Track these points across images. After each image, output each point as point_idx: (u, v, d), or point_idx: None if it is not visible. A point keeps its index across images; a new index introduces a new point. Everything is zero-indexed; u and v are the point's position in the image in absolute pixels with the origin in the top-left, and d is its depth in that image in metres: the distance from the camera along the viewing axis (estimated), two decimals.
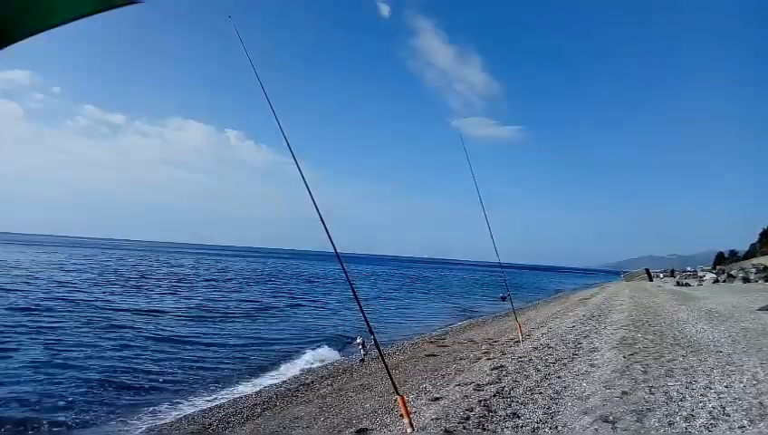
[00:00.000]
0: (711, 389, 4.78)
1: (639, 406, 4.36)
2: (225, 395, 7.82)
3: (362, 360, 9.99)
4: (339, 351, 11.50)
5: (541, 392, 5.21)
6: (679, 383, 5.06)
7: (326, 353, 11.18)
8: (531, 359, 7.24)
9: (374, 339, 4.27)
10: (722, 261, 66.84)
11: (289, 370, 9.66)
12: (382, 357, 4.34)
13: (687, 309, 12.85)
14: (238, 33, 4.64)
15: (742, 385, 4.82)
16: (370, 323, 4.40)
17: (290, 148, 4.48)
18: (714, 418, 3.96)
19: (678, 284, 31.19)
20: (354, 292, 4.39)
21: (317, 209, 4.26)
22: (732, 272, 33.27)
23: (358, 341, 10.36)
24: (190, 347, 11.15)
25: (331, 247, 4.33)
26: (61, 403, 7.03)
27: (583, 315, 13.40)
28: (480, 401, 5.05)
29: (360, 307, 4.32)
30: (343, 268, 4.40)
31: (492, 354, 8.36)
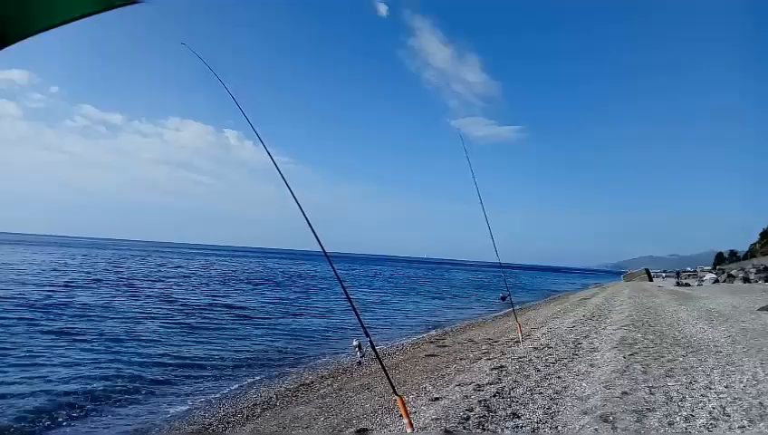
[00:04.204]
0: (711, 389, 4.78)
1: (639, 406, 4.36)
2: (224, 396, 7.81)
3: (359, 363, 9.86)
4: (338, 352, 11.48)
5: (541, 392, 5.22)
6: (679, 383, 5.06)
7: (325, 354, 11.16)
8: (531, 359, 7.24)
9: (370, 341, 4.26)
10: (722, 261, 66.99)
11: (288, 370, 9.65)
12: (379, 359, 4.32)
13: (687, 309, 12.85)
14: (200, 56, 4.86)
15: (742, 385, 4.82)
16: (369, 324, 4.39)
17: (264, 146, 4.60)
18: (714, 418, 3.96)
19: (678, 284, 31.20)
20: (346, 293, 4.36)
21: (301, 209, 4.26)
22: (732, 272, 33.29)
23: (354, 343, 10.22)
24: (187, 348, 11.13)
25: (329, 248, 4.33)
26: (57, 403, 7.02)
27: (583, 316, 13.40)
28: (480, 402, 5.05)
29: (354, 309, 4.29)
30: (333, 269, 4.38)
31: (492, 354, 8.36)
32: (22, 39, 1.03)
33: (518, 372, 6.38)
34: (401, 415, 3.94)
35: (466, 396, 5.41)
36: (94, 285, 22.69)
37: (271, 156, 4.53)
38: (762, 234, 66.14)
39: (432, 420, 4.64)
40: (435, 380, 6.88)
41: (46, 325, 12.29)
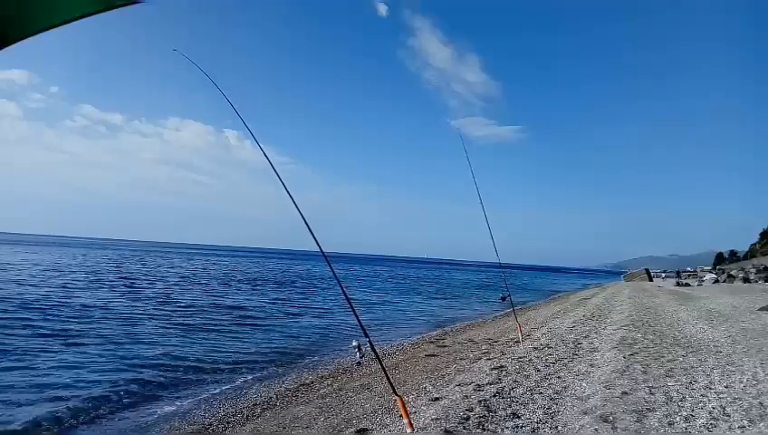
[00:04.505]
0: (711, 389, 4.78)
1: (639, 406, 4.36)
2: (224, 396, 7.81)
3: (359, 363, 9.82)
4: (337, 352, 11.48)
5: (541, 392, 5.22)
6: (679, 383, 5.07)
7: (325, 354, 11.15)
8: (531, 359, 7.24)
9: (369, 341, 4.26)
10: (722, 261, 67.07)
11: (288, 370, 9.64)
12: (379, 360, 4.32)
13: (687, 309, 12.85)
14: (192, 61, 4.83)
15: (742, 385, 4.82)
16: (368, 324, 4.39)
17: (257, 142, 4.61)
18: (714, 418, 3.96)
19: (678, 284, 31.20)
20: (345, 293, 4.36)
21: (297, 208, 4.25)
22: (732, 272, 33.31)
23: (354, 344, 10.15)
24: (186, 348, 11.13)
25: (329, 248, 4.34)
26: (56, 404, 7.02)
27: (583, 316, 13.40)
28: (480, 402, 5.05)
29: (353, 309, 4.29)
30: (332, 269, 4.38)
31: (492, 354, 8.36)
32: (22, 39, 1.03)
33: (518, 372, 6.38)
34: (401, 415, 3.94)
35: (466, 396, 5.41)
36: (93, 286, 22.68)
37: (264, 153, 4.52)
38: (762, 234, 66.20)
39: (432, 420, 4.65)
40: (435, 380, 6.88)
41: (44, 326, 12.23)
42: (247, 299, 21.95)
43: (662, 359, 6.37)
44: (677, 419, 4.00)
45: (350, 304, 4.35)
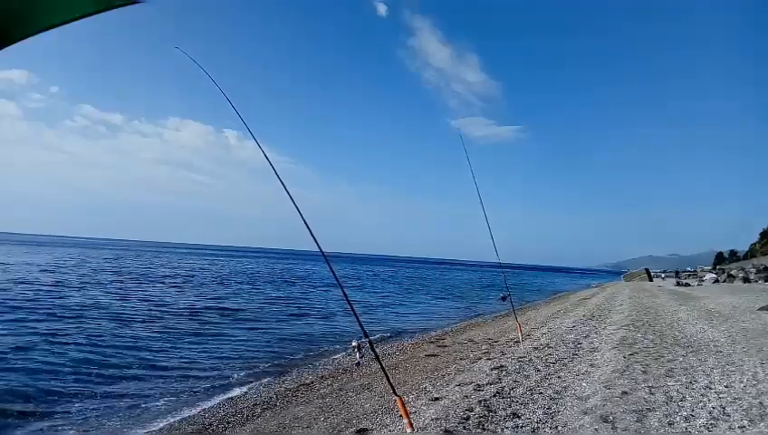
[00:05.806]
0: (711, 389, 4.78)
1: (639, 406, 4.36)
2: (224, 396, 7.81)
3: (358, 364, 9.80)
4: (338, 352, 11.48)
5: (541, 392, 5.22)
6: (679, 383, 5.07)
7: (325, 354, 11.16)
8: (531, 359, 7.24)
9: (369, 342, 4.26)
10: (722, 261, 67.06)
11: (288, 370, 9.65)
12: (378, 360, 4.32)
13: (687, 309, 12.85)
14: (194, 60, 4.78)
15: (742, 385, 4.83)
16: (369, 325, 4.39)
17: (255, 139, 4.59)
18: (714, 418, 3.96)
19: (678, 284, 31.18)
20: (344, 293, 4.35)
21: (296, 206, 4.23)
22: (732, 272, 33.29)
23: (353, 344, 10.16)
24: (186, 349, 11.15)
25: (329, 248, 4.33)
26: (56, 403, 7.03)
27: (583, 315, 13.39)
28: (480, 402, 5.06)
29: (353, 309, 4.28)
30: (331, 269, 4.37)
31: (492, 354, 8.36)
32: (23, 39, 1.03)
33: (518, 372, 6.38)
34: (401, 415, 3.94)
35: (466, 396, 5.41)
36: (90, 287, 22.69)
37: (260, 146, 4.50)
38: (762, 234, 66.20)
39: (432, 420, 4.65)
40: (435, 380, 6.88)
41: (35, 328, 12.15)
42: (247, 300, 21.94)
43: (662, 359, 6.37)
44: (677, 419, 4.00)
45: (349, 304, 4.34)
